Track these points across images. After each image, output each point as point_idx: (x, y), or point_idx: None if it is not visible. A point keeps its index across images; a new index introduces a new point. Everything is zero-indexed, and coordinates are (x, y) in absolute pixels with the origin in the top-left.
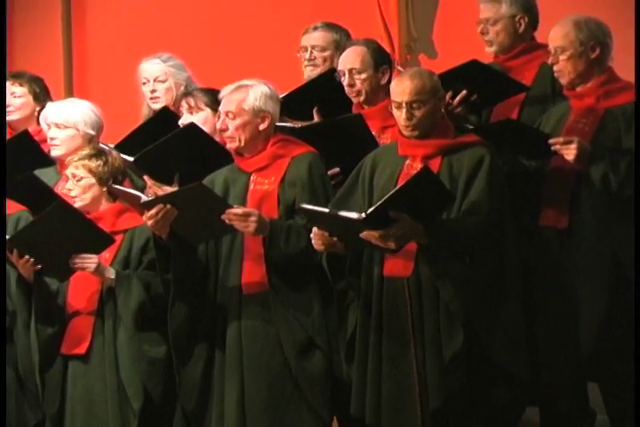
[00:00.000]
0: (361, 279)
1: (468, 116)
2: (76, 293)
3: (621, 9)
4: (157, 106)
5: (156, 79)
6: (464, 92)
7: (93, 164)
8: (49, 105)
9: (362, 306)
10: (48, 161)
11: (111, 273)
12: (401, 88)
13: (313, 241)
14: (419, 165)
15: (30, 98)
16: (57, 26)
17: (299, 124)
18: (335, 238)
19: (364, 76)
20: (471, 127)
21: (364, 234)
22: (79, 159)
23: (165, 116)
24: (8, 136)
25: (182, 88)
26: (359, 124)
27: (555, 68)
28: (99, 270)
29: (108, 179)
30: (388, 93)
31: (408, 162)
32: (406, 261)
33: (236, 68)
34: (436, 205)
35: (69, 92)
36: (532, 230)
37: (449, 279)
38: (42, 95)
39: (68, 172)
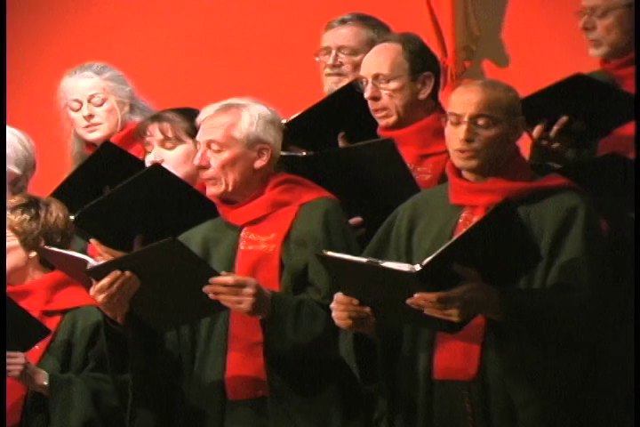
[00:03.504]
0: (398, 382)
1: (565, 151)
2: None
3: None
4: (97, 136)
5: (92, 99)
6: (564, 118)
7: (16, 218)
8: None
9: (402, 421)
10: None
11: (43, 378)
12: (466, 97)
13: (335, 313)
14: None
15: None
16: None
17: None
18: (368, 309)
19: (393, 85)
20: (556, 166)
21: (417, 297)
22: None
23: (109, 154)
24: None
25: (126, 108)
26: (389, 153)
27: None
28: (25, 375)
29: (38, 240)
30: (429, 111)
31: (465, 214)
32: (467, 356)
33: (221, 84)
34: (515, 264)
35: None
36: None
37: (524, 376)
38: None
39: None
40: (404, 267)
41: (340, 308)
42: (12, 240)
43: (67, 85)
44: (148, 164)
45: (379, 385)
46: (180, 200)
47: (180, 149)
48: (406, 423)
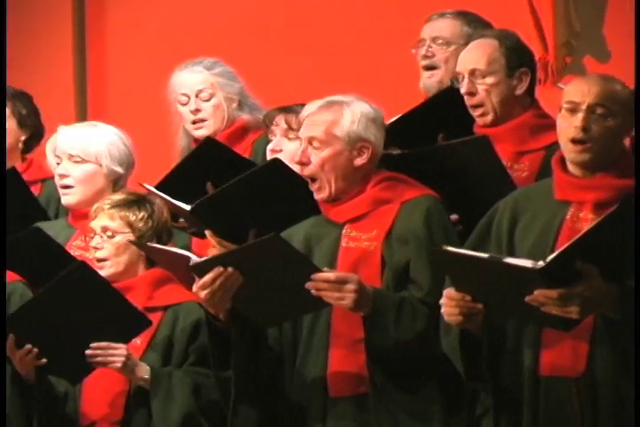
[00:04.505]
0: (502, 378)
1: None
2: (93, 396)
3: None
4: (203, 133)
5: (199, 94)
6: None
7: (134, 215)
8: (61, 130)
9: (507, 418)
10: (40, 210)
11: (144, 371)
12: (586, 87)
13: (445, 309)
14: (589, 215)
15: (14, 123)
16: (67, 29)
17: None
18: (480, 306)
19: (490, 80)
20: None
21: (537, 294)
22: (113, 206)
23: (211, 150)
24: None
25: (234, 104)
26: (483, 150)
27: None
28: (127, 367)
29: (151, 238)
30: (525, 108)
31: (573, 210)
32: (575, 352)
33: (322, 81)
34: (629, 262)
35: (82, 117)
36: None
37: (635, 374)
38: (29, 118)
39: (96, 224)
40: (527, 263)
41: (451, 304)
42: (127, 235)
43: (176, 80)
44: (268, 152)
45: (484, 382)
46: (295, 195)
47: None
48: (511, 420)
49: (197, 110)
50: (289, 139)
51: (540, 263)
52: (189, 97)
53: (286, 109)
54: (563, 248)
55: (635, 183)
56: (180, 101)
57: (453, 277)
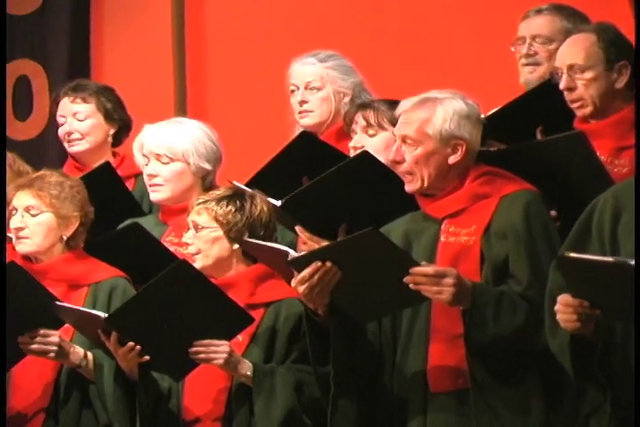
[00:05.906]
0: (613, 379)
1: None
2: (195, 393)
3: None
4: (307, 123)
5: (308, 86)
6: None
7: (221, 209)
8: (147, 128)
9: (619, 416)
10: (135, 205)
11: (247, 368)
12: None
13: (562, 316)
14: None
15: (100, 117)
16: (167, 25)
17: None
18: (598, 312)
19: (589, 75)
20: None
21: None
22: (204, 202)
23: (306, 144)
24: (76, 172)
25: (347, 98)
26: (579, 146)
27: None
28: (230, 364)
29: (241, 233)
30: (626, 101)
31: None
32: None
33: (424, 74)
34: None
35: (182, 112)
36: None
37: None
38: (116, 112)
39: (189, 219)
40: None
41: (568, 310)
42: (216, 231)
43: (291, 71)
44: (350, 149)
45: (594, 382)
46: (385, 189)
47: (381, 137)
48: (624, 419)
49: (304, 102)
50: (369, 135)
51: None
52: (298, 88)
53: (363, 106)
54: None
55: (635, 182)
56: (291, 92)
57: (573, 283)
